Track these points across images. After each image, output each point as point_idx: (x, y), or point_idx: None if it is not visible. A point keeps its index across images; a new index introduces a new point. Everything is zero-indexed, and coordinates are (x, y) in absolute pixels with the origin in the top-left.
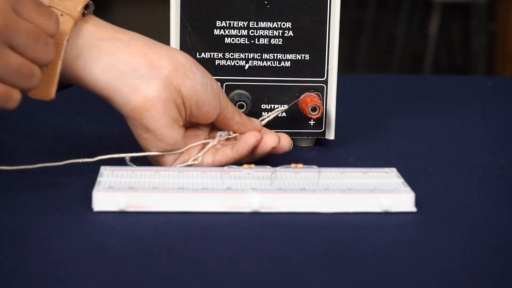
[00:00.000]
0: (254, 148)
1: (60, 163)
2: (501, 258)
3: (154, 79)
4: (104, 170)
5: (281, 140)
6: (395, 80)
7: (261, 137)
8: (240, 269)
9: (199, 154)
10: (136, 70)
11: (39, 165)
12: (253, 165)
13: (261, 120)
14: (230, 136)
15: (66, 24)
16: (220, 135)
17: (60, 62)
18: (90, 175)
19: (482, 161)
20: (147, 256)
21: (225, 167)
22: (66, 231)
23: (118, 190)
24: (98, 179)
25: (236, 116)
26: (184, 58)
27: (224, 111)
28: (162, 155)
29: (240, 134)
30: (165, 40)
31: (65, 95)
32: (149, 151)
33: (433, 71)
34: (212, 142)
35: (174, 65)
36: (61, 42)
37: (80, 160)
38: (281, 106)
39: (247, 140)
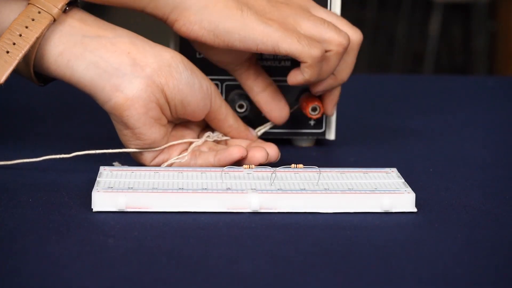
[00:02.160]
0: (240, 160)
1: (37, 159)
2: (501, 258)
3: (136, 78)
4: (104, 170)
5: (269, 152)
6: (395, 80)
7: (247, 153)
8: (240, 269)
9: (185, 154)
10: (119, 69)
11: (17, 161)
12: (253, 165)
13: (257, 131)
14: (219, 139)
15: (40, 23)
16: (208, 136)
17: (20, 55)
18: (89, 175)
19: (482, 161)
20: (147, 256)
21: (225, 167)
22: (65, 231)
23: (117, 190)
24: (98, 179)
25: (229, 119)
26: (171, 57)
27: (215, 112)
28: (141, 152)
29: (231, 138)
30: (165, 40)
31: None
32: (128, 147)
33: (433, 71)
34: (196, 142)
35: (159, 64)
36: (29, 38)
37: (57, 156)
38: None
39: (232, 154)
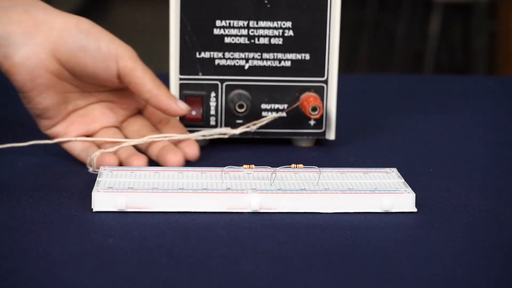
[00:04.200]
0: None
1: (23, 144)
2: (501, 258)
3: (25, 46)
4: (104, 170)
5: (186, 151)
6: (395, 80)
7: (147, 162)
8: (240, 269)
9: (114, 148)
10: (9, 38)
11: (4, 145)
12: (253, 165)
13: (253, 124)
14: (161, 139)
15: None
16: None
17: None
18: (89, 175)
19: (482, 161)
20: (147, 256)
21: (225, 167)
22: (65, 231)
23: (117, 190)
24: (98, 179)
25: (147, 84)
26: (64, 22)
27: (127, 75)
28: (38, 118)
29: (152, 106)
30: (165, 40)
31: None
32: (28, 110)
33: (433, 71)
34: (129, 143)
35: (50, 31)
36: None
37: (42, 142)
38: (277, 112)
39: (132, 162)
